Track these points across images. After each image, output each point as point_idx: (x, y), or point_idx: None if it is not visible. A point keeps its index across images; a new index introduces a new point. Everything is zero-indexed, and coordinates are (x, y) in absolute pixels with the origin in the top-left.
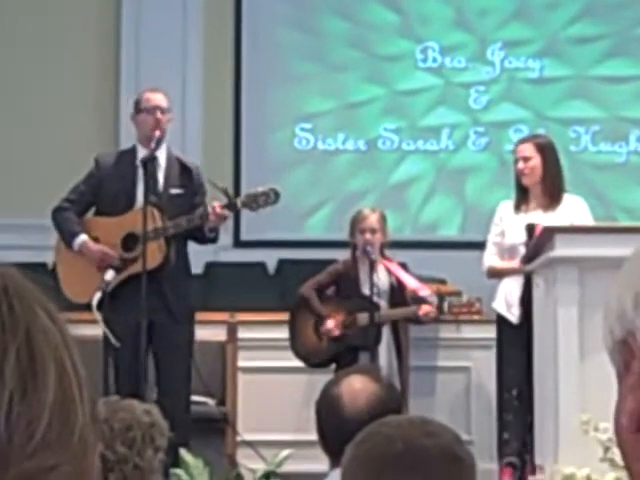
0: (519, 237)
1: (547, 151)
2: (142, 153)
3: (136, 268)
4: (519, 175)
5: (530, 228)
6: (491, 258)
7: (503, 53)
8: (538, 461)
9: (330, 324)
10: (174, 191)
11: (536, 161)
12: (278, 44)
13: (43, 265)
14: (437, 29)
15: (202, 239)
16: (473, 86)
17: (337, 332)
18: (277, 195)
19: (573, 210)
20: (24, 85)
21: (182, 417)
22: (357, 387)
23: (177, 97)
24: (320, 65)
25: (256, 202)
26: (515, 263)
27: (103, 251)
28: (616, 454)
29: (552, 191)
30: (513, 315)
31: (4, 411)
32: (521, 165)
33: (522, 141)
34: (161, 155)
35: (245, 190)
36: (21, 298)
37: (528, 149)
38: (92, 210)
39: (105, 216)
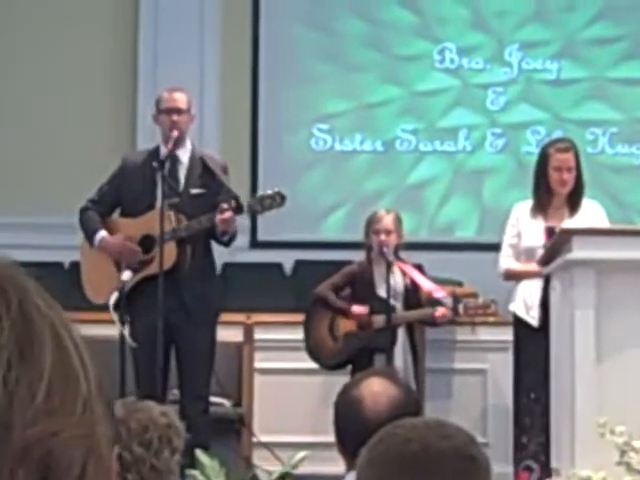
0: (537, 240)
1: (579, 159)
2: (164, 153)
3: (151, 270)
4: (557, 184)
5: (550, 231)
6: (507, 260)
7: (521, 54)
8: (554, 464)
9: (357, 308)
10: (194, 191)
11: (574, 172)
12: (296, 44)
13: (59, 264)
14: (455, 30)
15: (217, 241)
16: (490, 87)
17: (367, 311)
18: (283, 198)
19: (591, 215)
20: (41, 84)
21: (201, 420)
22: (377, 389)
23: (194, 97)
24: (338, 65)
25: (261, 205)
26: (534, 266)
27: (122, 243)
28: (632, 458)
29: (575, 197)
30: (533, 318)
31: (2, 373)
32: (566, 176)
33: (565, 149)
34: (184, 154)
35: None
36: (13, 281)
37: (572, 159)
38: (118, 211)
39: (127, 217)
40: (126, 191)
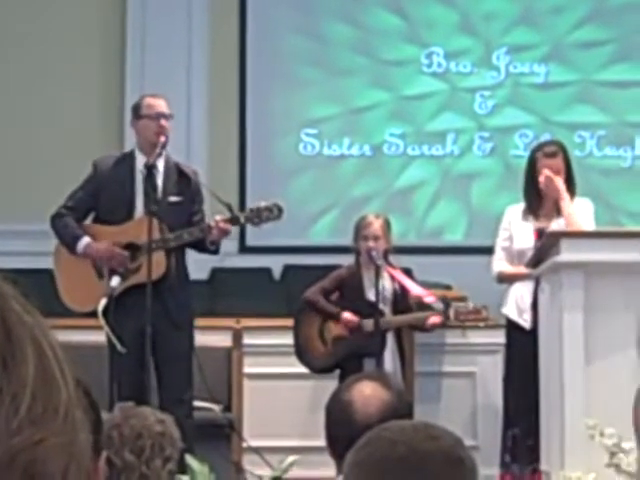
0: (528, 242)
1: (568, 161)
2: (141, 159)
3: (139, 278)
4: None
5: (541, 233)
6: (500, 263)
7: (508, 58)
8: (544, 466)
9: (348, 315)
10: (172, 199)
11: (563, 174)
12: (283, 50)
13: (46, 271)
14: (442, 34)
15: (202, 249)
16: (478, 91)
17: (356, 319)
18: (280, 210)
19: (579, 214)
20: (28, 91)
21: (184, 423)
22: (368, 393)
23: (182, 104)
24: (325, 70)
25: (259, 217)
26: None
27: (110, 248)
28: (622, 459)
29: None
30: (525, 321)
31: None
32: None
33: (552, 154)
34: (159, 162)
35: (249, 203)
36: None
37: (560, 163)
38: (91, 217)
39: (104, 223)
40: (102, 197)
